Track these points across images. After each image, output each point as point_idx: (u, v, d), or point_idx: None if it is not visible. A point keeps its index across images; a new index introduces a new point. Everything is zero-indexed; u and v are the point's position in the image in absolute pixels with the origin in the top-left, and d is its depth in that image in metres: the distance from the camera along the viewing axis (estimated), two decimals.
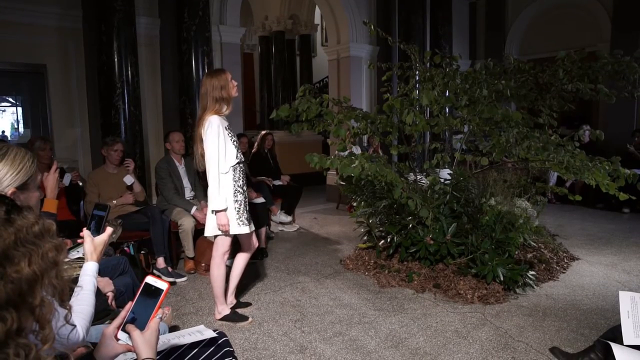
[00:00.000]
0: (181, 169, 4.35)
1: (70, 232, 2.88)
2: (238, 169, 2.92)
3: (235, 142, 2.93)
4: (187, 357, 1.50)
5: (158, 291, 1.15)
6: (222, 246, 2.99)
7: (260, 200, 4.70)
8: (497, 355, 2.56)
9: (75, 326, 1.09)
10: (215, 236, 2.99)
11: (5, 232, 0.81)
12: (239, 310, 3.14)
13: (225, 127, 2.88)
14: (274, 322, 3.04)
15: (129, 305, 1.18)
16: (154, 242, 3.84)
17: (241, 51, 9.95)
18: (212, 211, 2.87)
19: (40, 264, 0.83)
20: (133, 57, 4.70)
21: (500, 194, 4.15)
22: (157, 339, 1.15)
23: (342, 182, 4.48)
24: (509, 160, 4.18)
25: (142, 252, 3.87)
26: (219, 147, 2.81)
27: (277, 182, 5.66)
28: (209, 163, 2.83)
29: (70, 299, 1.34)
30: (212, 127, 2.79)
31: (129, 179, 4.01)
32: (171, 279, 3.77)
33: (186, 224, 3.98)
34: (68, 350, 0.98)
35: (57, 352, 0.89)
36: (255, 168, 5.55)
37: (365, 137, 6.76)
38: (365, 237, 4.37)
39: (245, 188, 2.99)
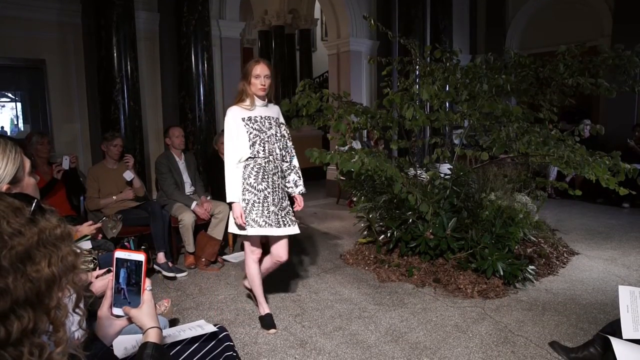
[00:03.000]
0: (181, 164, 4.34)
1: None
2: (252, 165, 2.77)
3: (253, 135, 2.77)
4: (188, 352, 1.50)
5: (138, 263, 1.15)
6: (247, 246, 2.91)
7: None
8: (496, 350, 2.57)
9: (87, 331, 1.10)
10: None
11: (30, 232, 0.81)
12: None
13: (247, 119, 2.78)
14: (274, 316, 3.04)
15: (111, 283, 1.18)
16: (154, 237, 3.85)
17: (241, 46, 9.91)
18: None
19: (60, 267, 0.84)
20: (132, 51, 4.69)
21: (500, 188, 4.15)
22: (155, 308, 1.18)
23: (342, 177, 4.48)
24: (509, 155, 4.18)
25: (143, 247, 3.87)
26: (230, 138, 2.78)
27: None
28: (224, 153, 2.83)
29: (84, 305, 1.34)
30: (226, 117, 2.80)
31: (128, 175, 4.01)
32: (172, 274, 3.78)
33: (186, 219, 3.98)
34: (79, 352, 0.99)
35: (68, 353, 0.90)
36: None
37: (365, 132, 6.75)
38: (365, 232, 4.37)
39: (260, 188, 2.77)
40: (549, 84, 4.00)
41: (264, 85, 2.78)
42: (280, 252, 2.90)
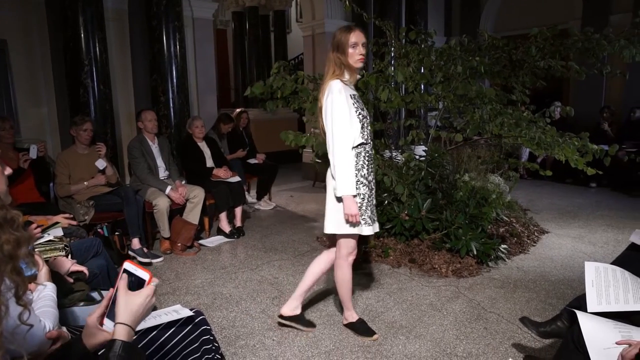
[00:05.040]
0: (154, 148, 4.25)
1: (40, 214, 2.81)
2: (363, 154, 2.35)
3: (362, 117, 2.34)
4: (164, 337, 1.50)
5: (140, 281, 1.12)
6: (345, 246, 2.45)
7: (236, 179, 4.66)
8: (470, 326, 2.65)
9: (32, 326, 1.01)
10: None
11: None
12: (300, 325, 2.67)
13: (352, 96, 2.33)
14: (251, 299, 3.05)
15: (111, 293, 1.13)
16: (129, 223, 3.78)
17: (214, 27, 9.69)
18: (337, 199, 2.32)
19: None
20: (100, 32, 4.51)
21: (474, 170, 4.23)
22: (142, 311, 1.09)
23: (318, 160, 4.47)
24: (483, 136, 4.24)
25: (117, 233, 3.79)
26: (345, 118, 2.26)
27: (253, 161, 5.61)
28: (332, 137, 2.27)
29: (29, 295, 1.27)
30: (333, 92, 2.27)
31: (101, 164, 3.91)
32: (147, 260, 3.73)
33: (161, 204, 3.92)
34: (33, 350, 0.91)
35: (10, 351, 0.85)
36: (230, 146, 5.49)
37: None
38: None
39: (370, 179, 2.39)
40: (521, 66, 4.05)
41: (363, 55, 2.32)
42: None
